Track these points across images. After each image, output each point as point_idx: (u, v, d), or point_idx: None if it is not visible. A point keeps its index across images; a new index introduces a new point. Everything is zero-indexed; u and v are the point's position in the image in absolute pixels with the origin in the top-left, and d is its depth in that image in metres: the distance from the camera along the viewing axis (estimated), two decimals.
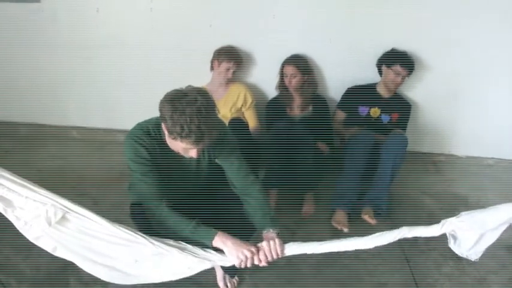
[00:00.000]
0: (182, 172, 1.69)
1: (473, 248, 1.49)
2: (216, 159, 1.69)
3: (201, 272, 1.47)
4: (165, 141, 1.57)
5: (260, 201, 1.66)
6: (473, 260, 1.52)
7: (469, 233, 1.45)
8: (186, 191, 1.74)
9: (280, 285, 1.94)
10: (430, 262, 2.12)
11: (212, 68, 2.78)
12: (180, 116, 1.37)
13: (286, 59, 2.78)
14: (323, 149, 2.71)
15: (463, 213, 1.45)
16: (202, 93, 1.42)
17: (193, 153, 1.49)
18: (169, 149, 1.58)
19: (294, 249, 1.47)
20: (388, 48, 2.77)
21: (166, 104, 1.40)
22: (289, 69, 2.74)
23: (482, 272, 2.06)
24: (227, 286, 1.90)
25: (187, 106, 1.37)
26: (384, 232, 1.45)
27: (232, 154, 1.68)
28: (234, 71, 2.74)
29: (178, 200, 1.62)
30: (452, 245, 1.51)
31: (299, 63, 2.76)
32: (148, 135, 1.56)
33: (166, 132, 1.48)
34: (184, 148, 1.48)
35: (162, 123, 1.46)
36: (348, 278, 1.96)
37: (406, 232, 1.45)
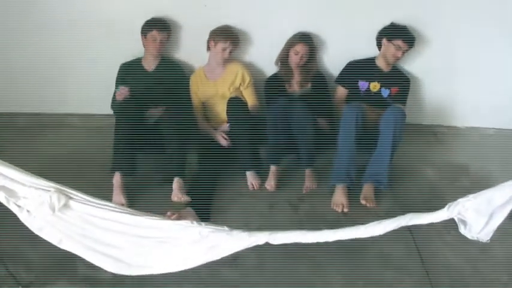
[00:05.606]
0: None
1: (484, 229, 1.48)
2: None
3: (203, 266, 1.47)
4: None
5: None
6: (484, 241, 1.51)
7: (478, 215, 1.43)
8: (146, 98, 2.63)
9: (285, 256, 1.92)
10: (433, 231, 2.12)
11: (208, 48, 2.75)
12: None
13: (301, 37, 2.70)
14: (323, 125, 2.71)
15: (469, 195, 1.43)
16: None
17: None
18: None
19: (292, 237, 1.45)
20: (386, 23, 2.73)
21: None
22: (304, 49, 2.69)
23: None
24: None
25: None
26: (388, 220, 1.43)
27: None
28: (230, 51, 2.71)
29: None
30: (462, 230, 1.50)
31: (312, 42, 2.73)
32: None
33: None
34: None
35: None
36: (352, 247, 1.95)
37: (412, 219, 1.43)
